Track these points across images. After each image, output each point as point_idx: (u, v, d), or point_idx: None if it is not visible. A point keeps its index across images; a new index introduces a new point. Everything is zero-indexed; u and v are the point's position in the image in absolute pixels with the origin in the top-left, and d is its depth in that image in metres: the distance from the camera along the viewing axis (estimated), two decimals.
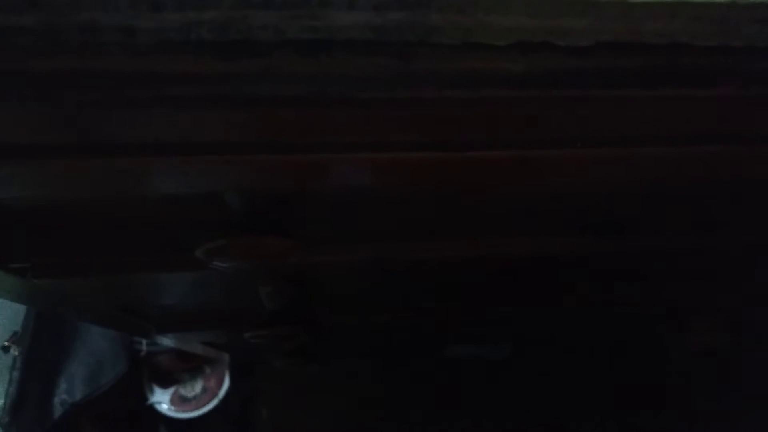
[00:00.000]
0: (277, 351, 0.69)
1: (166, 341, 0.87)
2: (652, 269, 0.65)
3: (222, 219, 0.34)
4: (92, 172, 0.28)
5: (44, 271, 0.44)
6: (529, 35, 0.20)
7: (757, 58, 0.22)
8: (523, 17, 0.20)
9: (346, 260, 0.43)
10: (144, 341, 1.23)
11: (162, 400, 1.34)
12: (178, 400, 1.35)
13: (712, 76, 0.22)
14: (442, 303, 0.69)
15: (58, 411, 1.16)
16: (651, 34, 0.21)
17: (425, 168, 0.27)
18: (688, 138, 0.26)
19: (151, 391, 1.35)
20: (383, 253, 0.41)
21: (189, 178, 0.28)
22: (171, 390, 1.34)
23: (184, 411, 1.35)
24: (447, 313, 0.78)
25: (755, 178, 0.33)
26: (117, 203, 0.37)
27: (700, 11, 0.20)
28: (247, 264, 0.37)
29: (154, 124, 0.24)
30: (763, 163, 0.30)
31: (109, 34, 0.19)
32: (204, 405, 1.35)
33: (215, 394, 1.35)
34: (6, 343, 1.10)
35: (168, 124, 0.24)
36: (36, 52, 0.20)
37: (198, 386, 1.37)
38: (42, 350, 1.12)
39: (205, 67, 0.20)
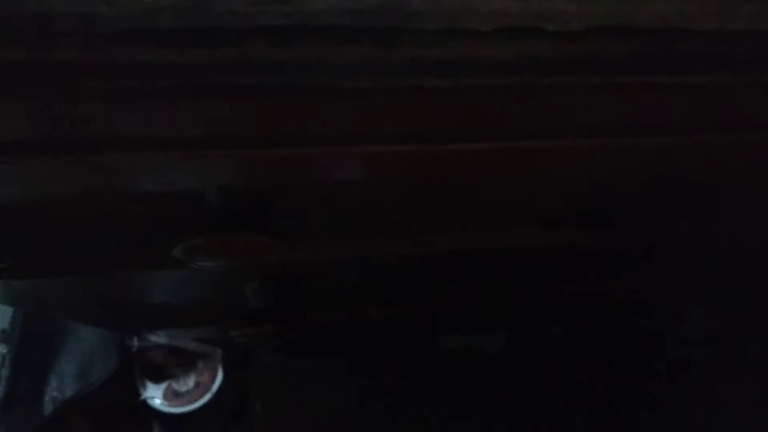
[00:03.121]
0: (264, 348, 0.69)
1: (157, 339, 0.86)
2: (643, 259, 0.64)
3: (201, 217, 0.33)
4: (62, 170, 0.27)
5: (22, 272, 0.43)
6: (516, 20, 0.19)
7: (756, 43, 0.21)
8: (510, 0, 0.18)
9: (330, 256, 0.42)
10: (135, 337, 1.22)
11: (155, 395, 1.33)
12: (171, 395, 1.35)
13: (709, 62, 0.21)
14: (433, 296, 0.68)
15: (48, 408, 1.15)
16: (645, 17, 0.20)
17: (408, 161, 0.26)
18: (682, 127, 0.25)
19: (144, 387, 1.34)
20: (367, 248, 0.40)
21: (162, 174, 0.27)
22: (164, 385, 1.33)
23: (177, 406, 1.34)
24: (438, 306, 0.77)
25: (749, 168, 0.32)
26: (92, 201, 0.36)
27: None
28: (227, 262, 0.35)
29: (120, 119, 0.23)
30: (758, 153, 0.29)
31: (66, 23, 0.18)
32: (197, 399, 1.34)
33: (208, 389, 1.35)
34: None
35: (136, 119, 0.23)
36: None
37: (191, 381, 1.36)
38: (31, 348, 1.11)
39: (172, 56, 0.19)
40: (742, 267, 0.72)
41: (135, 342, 1.24)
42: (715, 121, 0.25)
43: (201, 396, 1.34)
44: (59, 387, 1.15)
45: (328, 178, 0.28)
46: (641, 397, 1.27)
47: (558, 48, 0.20)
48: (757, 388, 1.16)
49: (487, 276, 0.63)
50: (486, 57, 0.20)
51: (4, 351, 1.11)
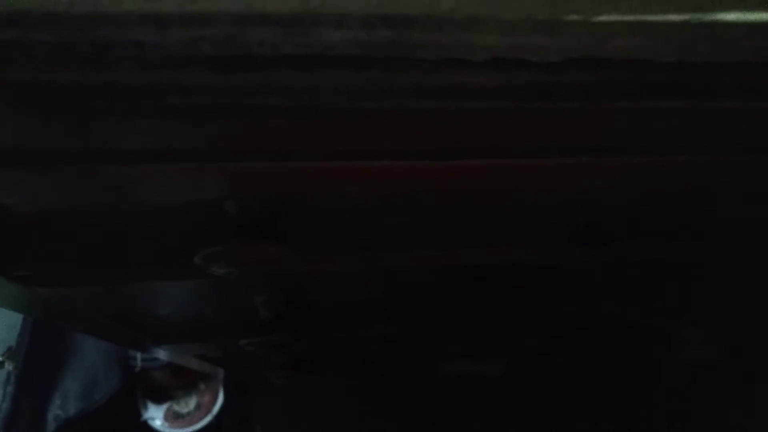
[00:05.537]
0: (271, 362, 0.71)
1: (161, 354, 0.88)
2: (642, 281, 0.66)
3: (221, 227, 0.36)
4: (95, 179, 0.30)
5: (46, 280, 0.46)
6: (503, 52, 0.23)
7: (712, 74, 0.24)
8: (497, 35, 0.22)
9: (342, 268, 0.45)
10: (138, 357, 1.23)
11: (156, 416, 1.34)
12: (171, 417, 1.35)
13: (672, 90, 0.25)
14: (436, 314, 0.70)
15: (51, 426, 1.15)
16: (614, 50, 0.23)
17: (413, 176, 0.29)
18: (654, 148, 0.28)
19: (145, 407, 1.34)
20: (378, 262, 0.43)
21: (189, 185, 0.30)
22: (165, 406, 1.34)
23: (177, 427, 1.34)
24: (440, 326, 0.79)
25: (728, 187, 0.35)
26: (118, 212, 0.39)
27: (656, 29, 0.22)
28: (244, 270, 0.38)
29: (157, 134, 0.26)
30: (729, 173, 0.32)
31: (121, 50, 0.21)
32: (198, 421, 1.34)
33: (209, 411, 1.35)
34: (0, 358, 1.10)
35: (171, 134, 0.26)
36: (51, 66, 0.22)
37: (192, 402, 1.36)
38: (36, 366, 1.12)
39: (207, 79, 0.22)
40: (740, 290, 0.73)
41: (138, 362, 1.26)
42: (681, 141, 0.28)
43: (201, 418, 1.35)
44: (62, 405, 1.16)
45: (341, 191, 0.31)
46: (643, 425, 1.27)
47: (540, 77, 0.23)
48: (757, 413, 1.16)
49: (491, 298, 0.65)
50: (477, 84, 0.23)
51: (10, 368, 1.12)
